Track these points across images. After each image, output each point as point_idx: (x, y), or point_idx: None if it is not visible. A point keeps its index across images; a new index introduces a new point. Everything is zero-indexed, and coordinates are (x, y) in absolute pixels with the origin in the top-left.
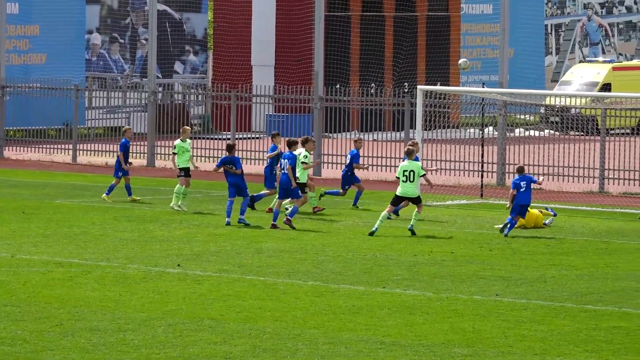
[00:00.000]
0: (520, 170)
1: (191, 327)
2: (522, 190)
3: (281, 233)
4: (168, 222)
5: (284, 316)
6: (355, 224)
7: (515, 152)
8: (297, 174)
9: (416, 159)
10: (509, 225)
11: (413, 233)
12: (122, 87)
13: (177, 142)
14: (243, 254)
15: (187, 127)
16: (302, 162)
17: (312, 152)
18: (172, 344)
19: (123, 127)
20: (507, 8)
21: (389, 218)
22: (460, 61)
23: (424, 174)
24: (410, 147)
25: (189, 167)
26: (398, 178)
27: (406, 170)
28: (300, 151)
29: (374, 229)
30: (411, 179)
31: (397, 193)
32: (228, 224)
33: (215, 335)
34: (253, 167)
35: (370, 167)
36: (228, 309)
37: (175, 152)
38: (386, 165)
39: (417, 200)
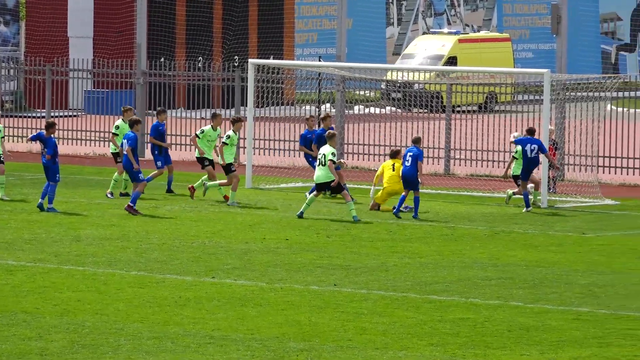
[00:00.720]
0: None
1: (3, 321)
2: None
3: (101, 219)
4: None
5: (105, 309)
6: (182, 209)
7: (354, 131)
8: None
9: None
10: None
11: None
12: None
13: None
14: (60, 242)
15: None
16: (224, 143)
17: (237, 132)
18: None
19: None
20: None
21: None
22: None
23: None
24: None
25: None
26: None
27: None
28: (229, 133)
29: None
30: (323, 163)
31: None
32: (40, 205)
33: (29, 330)
34: (71, 148)
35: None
36: (44, 301)
37: None
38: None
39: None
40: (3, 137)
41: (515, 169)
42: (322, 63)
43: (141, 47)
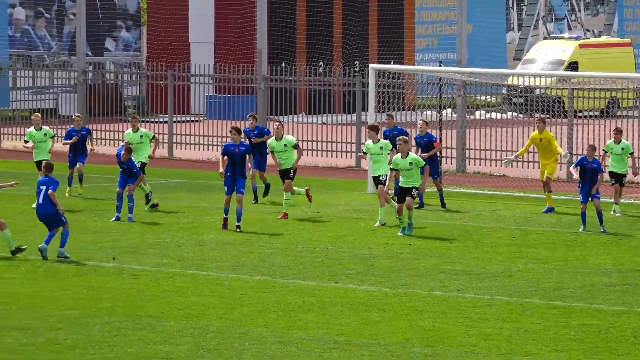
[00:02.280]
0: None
1: (129, 325)
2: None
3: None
4: (100, 212)
5: (229, 314)
6: (304, 214)
7: (476, 136)
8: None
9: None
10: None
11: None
12: (49, 65)
13: (31, 129)
14: (183, 246)
15: (38, 114)
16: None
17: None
18: (108, 344)
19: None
20: None
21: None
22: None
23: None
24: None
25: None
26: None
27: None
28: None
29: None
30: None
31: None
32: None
33: (155, 334)
34: (193, 153)
35: (319, 152)
36: (168, 305)
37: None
38: (336, 151)
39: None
40: (53, 137)
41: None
42: (443, 68)
43: (262, 52)
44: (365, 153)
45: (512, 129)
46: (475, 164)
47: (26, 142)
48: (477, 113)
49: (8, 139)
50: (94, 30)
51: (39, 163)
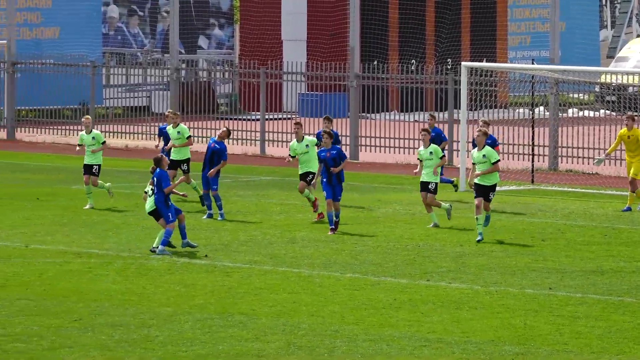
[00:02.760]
0: None
1: (220, 322)
2: None
3: (317, 222)
4: (193, 209)
5: (321, 311)
6: (396, 212)
7: (568, 134)
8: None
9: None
10: None
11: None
12: (143, 63)
13: (82, 134)
14: (275, 244)
15: (88, 117)
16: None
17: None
18: (200, 341)
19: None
20: None
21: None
22: None
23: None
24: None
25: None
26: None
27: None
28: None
29: (479, 238)
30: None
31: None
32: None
33: (246, 332)
34: (285, 150)
35: (411, 150)
36: (260, 303)
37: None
38: None
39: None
40: (104, 143)
41: None
42: (536, 66)
43: (354, 50)
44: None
45: (605, 127)
46: (567, 162)
47: (79, 145)
48: (570, 111)
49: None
50: (187, 28)
51: (85, 167)
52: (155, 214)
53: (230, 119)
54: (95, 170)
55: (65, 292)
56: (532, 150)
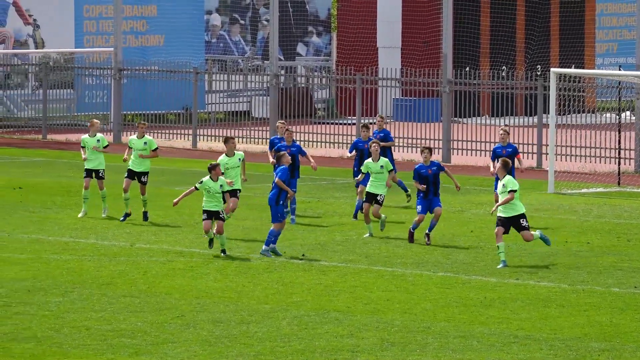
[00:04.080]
0: None
1: (316, 319)
2: None
3: (410, 223)
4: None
5: (413, 308)
6: (486, 213)
7: None
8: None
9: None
10: None
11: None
12: (243, 70)
13: (85, 137)
14: (370, 243)
15: (96, 121)
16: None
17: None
18: (297, 337)
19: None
20: None
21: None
22: None
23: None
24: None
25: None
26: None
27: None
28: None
29: (501, 265)
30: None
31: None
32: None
33: (341, 328)
34: None
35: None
36: (355, 300)
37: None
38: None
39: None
40: (107, 147)
41: None
42: (622, 72)
43: (447, 56)
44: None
45: None
46: None
47: (82, 147)
48: None
49: (204, 140)
50: (286, 35)
51: (87, 171)
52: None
53: (328, 123)
54: (102, 174)
55: (168, 289)
56: (619, 153)
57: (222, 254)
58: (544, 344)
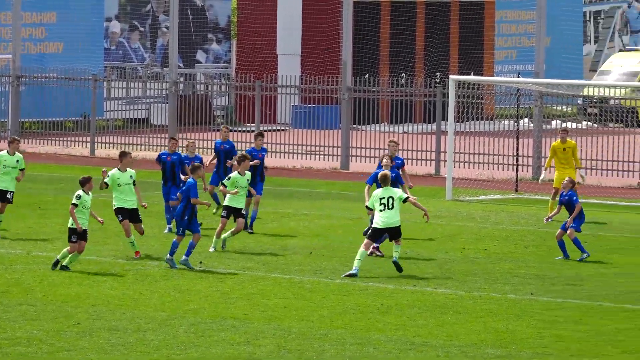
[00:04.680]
0: None
1: (214, 326)
2: None
3: (307, 230)
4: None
5: (310, 315)
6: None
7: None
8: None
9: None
10: None
11: (398, 267)
12: (142, 77)
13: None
14: (268, 251)
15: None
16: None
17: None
18: (193, 344)
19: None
20: None
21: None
22: None
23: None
24: (386, 173)
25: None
26: (370, 209)
27: (383, 198)
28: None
29: (353, 271)
30: (389, 207)
31: (378, 225)
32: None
33: (238, 335)
34: (279, 161)
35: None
36: (252, 307)
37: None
38: (416, 159)
39: (398, 233)
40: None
41: None
42: (521, 79)
43: (346, 64)
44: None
45: (587, 139)
46: (550, 172)
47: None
48: (553, 123)
49: (102, 147)
50: (186, 43)
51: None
52: None
53: None
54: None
55: (65, 297)
56: (517, 160)
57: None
58: (440, 350)
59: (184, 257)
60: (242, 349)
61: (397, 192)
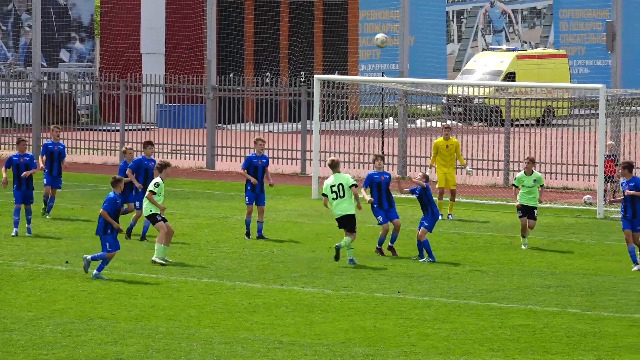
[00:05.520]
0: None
1: (80, 326)
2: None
3: (173, 229)
4: (55, 217)
5: (178, 315)
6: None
7: (416, 144)
8: None
9: None
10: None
11: (337, 255)
12: (5, 76)
13: None
14: (134, 250)
15: None
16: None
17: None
18: (60, 345)
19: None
20: None
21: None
22: (377, 36)
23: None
24: (334, 159)
25: None
26: (325, 196)
27: (334, 186)
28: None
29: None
30: (341, 195)
31: (336, 216)
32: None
33: (105, 335)
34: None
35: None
36: (119, 307)
37: None
38: (282, 158)
39: (351, 222)
40: None
41: (522, 197)
42: (385, 78)
43: (211, 63)
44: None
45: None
46: (415, 171)
47: None
48: (418, 122)
49: None
50: (49, 41)
51: None
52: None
53: (91, 129)
54: None
55: None
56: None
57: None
58: (308, 349)
59: (95, 271)
60: (110, 349)
61: (345, 178)
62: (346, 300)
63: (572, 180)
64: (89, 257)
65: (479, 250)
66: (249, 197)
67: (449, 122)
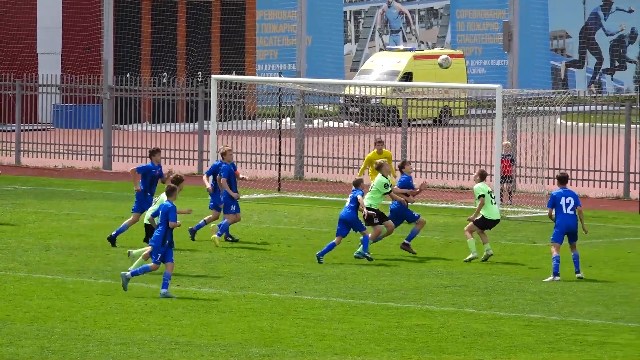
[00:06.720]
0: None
1: None
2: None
3: (69, 230)
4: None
5: (74, 316)
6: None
7: (314, 144)
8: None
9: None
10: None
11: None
12: None
13: None
14: (30, 251)
15: None
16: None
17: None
18: None
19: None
20: None
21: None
22: (441, 59)
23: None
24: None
25: None
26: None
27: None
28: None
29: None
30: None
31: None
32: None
33: (0, 337)
34: (40, 160)
35: (163, 160)
36: (14, 308)
37: None
38: (179, 158)
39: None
40: None
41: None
42: (283, 78)
43: (108, 63)
44: None
45: (348, 137)
46: (313, 171)
47: None
48: (315, 122)
49: None
50: None
51: None
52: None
53: None
54: None
55: None
56: (279, 159)
57: None
58: (205, 350)
59: (162, 289)
60: (4, 350)
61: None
62: (243, 300)
63: (469, 180)
64: (127, 273)
65: (376, 248)
66: (235, 206)
67: (380, 136)
